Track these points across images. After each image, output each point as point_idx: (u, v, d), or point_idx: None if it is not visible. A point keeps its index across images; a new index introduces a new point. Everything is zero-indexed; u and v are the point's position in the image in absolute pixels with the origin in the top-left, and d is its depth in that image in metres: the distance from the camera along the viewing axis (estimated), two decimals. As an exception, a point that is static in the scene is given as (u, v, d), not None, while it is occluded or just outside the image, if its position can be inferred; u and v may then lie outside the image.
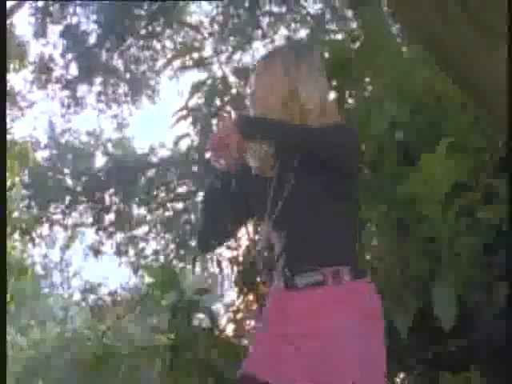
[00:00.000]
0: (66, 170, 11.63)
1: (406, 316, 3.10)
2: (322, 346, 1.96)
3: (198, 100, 4.61)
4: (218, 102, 4.52)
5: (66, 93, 11.73)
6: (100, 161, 12.41)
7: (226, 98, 4.48)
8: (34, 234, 10.52)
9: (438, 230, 3.04)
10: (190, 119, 4.71)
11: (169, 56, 10.86)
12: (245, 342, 4.09)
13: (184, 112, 4.60)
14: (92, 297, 15.65)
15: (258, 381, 2.01)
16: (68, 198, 11.19)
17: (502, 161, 3.20)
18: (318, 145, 2.02)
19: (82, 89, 11.80)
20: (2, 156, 3.16)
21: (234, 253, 5.85)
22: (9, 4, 10.42)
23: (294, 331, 2.01)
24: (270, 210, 2.11)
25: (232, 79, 4.62)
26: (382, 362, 2.02)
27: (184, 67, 5.33)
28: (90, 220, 11.40)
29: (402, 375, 3.49)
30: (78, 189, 11.25)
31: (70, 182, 11.47)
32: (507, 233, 3.10)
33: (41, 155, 12.37)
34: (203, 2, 11.12)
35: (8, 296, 8.09)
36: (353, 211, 2.15)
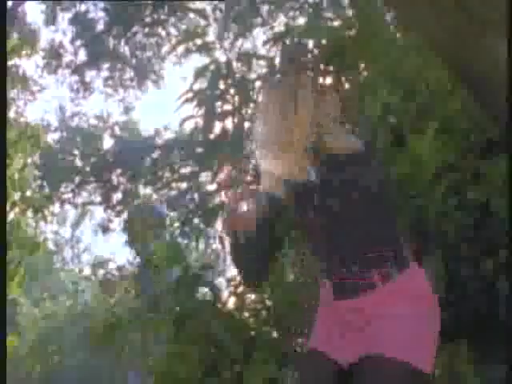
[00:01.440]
0: (76, 152, 11.63)
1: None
2: (382, 335, 1.95)
3: (201, 84, 4.61)
4: (221, 85, 4.51)
5: (75, 78, 11.70)
6: (108, 143, 12.41)
7: (229, 82, 4.48)
8: (46, 212, 10.54)
9: (425, 209, 3.05)
10: (194, 102, 4.71)
11: (173, 42, 10.82)
12: (245, 314, 4.12)
13: (188, 95, 4.60)
14: (101, 271, 15.71)
15: (324, 358, 2.04)
16: (78, 178, 11.20)
17: (488, 143, 3.21)
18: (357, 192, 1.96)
19: (90, 74, 11.78)
20: (1, 159, 3.06)
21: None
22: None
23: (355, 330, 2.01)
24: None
25: (235, 64, 4.61)
26: (433, 347, 2.00)
27: (188, 52, 5.32)
28: (99, 199, 11.42)
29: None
30: (87, 169, 11.25)
31: (79, 162, 11.47)
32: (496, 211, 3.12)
33: (51, 137, 12.38)
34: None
35: (22, 270, 8.12)
36: (391, 200, 2.12)
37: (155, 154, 11.30)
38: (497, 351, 3.15)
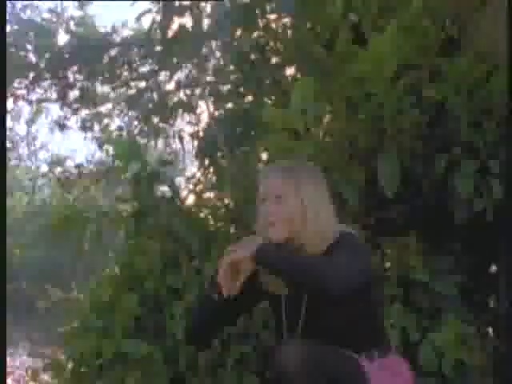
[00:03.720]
0: (29, 46, 11.24)
1: (353, 186, 3.20)
2: None
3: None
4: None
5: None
6: (63, 38, 12.00)
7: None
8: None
9: (384, 107, 3.08)
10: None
11: None
12: (205, 211, 4.16)
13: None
14: (59, 169, 15.56)
15: None
16: (32, 74, 10.90)
17: (448, 41, 3.22)
18: (333, 288, 1.97)
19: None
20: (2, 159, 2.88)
21: (195, 128, 5.84)
22: None
23: None
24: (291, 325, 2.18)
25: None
26: None
27: None
28: (55, 96, 11.18)
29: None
30: (42, 65, 10.93)
31: (33, 58, 11.11)
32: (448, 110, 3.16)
33: (3, 31, 11.89)
34: None
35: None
36: (377, 298, 2.26)
37: (113, 52, 11.01)
38: (444, 243, 3.29)
